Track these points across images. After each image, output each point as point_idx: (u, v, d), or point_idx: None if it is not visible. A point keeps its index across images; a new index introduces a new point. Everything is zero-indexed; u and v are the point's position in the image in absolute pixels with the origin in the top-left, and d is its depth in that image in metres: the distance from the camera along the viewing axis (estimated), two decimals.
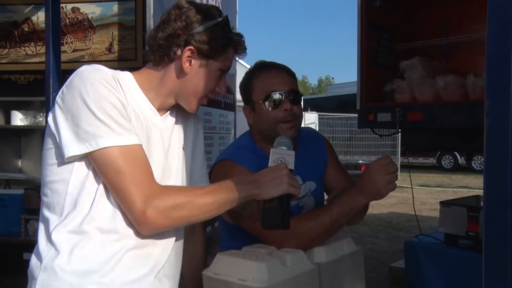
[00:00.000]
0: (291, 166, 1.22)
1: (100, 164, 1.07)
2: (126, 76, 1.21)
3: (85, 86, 1.07)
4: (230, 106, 5.26)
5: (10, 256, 3.61)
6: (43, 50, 2.54)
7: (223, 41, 1.21)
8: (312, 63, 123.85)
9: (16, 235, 3.65)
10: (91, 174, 1.10)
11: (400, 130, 2.52)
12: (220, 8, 1.32)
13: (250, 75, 1.61)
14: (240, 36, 1.26)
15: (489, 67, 0.81)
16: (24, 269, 1.16)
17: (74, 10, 3.78)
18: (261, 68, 1.61)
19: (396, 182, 1.41)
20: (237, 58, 1.31)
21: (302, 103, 1.65)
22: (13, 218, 3.65)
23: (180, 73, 1.21)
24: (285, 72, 1.60)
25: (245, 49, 1.28)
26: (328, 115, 14.25)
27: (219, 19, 1.21)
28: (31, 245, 1.16)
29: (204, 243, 1.45)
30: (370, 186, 1.40)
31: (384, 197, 1.44)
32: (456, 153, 14.37)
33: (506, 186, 0.79)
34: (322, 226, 1.41)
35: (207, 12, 1.21)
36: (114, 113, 1.08)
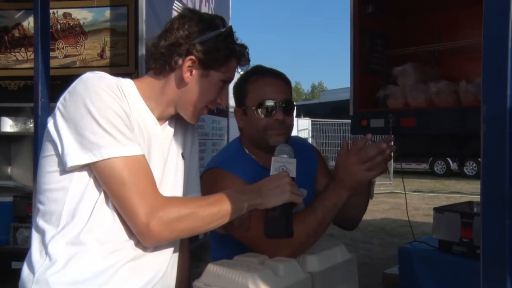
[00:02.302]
0: (293, 174, 1.21)
1: (103, 174, 1.05)
2: (129, 84, 1.18)
3: (89, 94, 1.05)
4: (223, 112, 5.24)
5: None
6: (33, 56, 2.52)
7: (226, 52, 1.19)
8: (305, 69, 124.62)
9: (5, 244, 3.58)
10: (91, 183, 1.08)
11: (393, 136, 2.52)
12: (212, 12, 1.30)
13: (245, 79, 1.58)
14: (244, 47, 1.24)
15: (485, 73, 0.80)
16: (12, 278, 1.13)
17: (65, 15, 3.74)
18: (258, 73, 1.57)
19: (377, 169, 1.31)
20: (239, 70, 1.29)
21: (294, 112, 1.63)
22: (1, 226, 3.58)
23: (181, 83, 1.19)
24: (282, 80, 1.58)
25: (249, 60, 1.26)
26: (321, 121, 14.26)
27: (223, 30, 1.18)
28: (20, 253, 1.13)
29: (190, 254, 1.44)
30: (348, 178, 1.35)
31: (368, 180, 1.37)
32: (448, 158, 14.44)
33: (503, 193, 0.78)
34: (309, 227, 1.38)
35: (211, 22, 1.19)
36: (118, 122, 1.05)
